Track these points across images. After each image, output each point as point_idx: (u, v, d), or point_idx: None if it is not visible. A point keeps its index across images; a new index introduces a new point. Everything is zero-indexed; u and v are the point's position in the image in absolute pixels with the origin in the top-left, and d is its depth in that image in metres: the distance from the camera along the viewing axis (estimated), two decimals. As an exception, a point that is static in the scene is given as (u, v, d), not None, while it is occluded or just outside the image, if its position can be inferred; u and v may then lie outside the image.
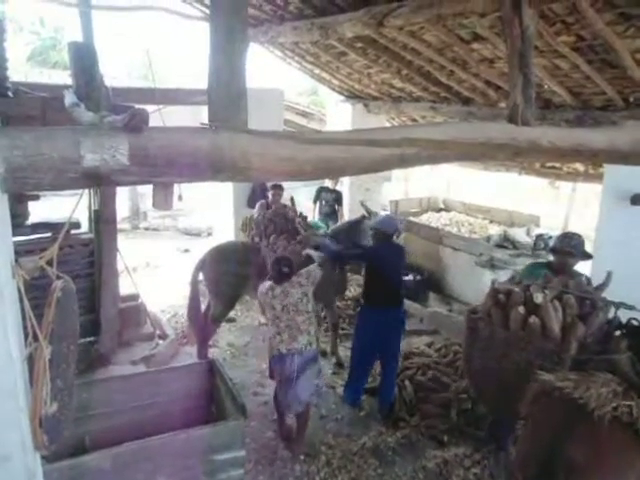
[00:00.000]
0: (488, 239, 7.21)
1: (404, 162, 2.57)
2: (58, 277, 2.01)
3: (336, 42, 5.43)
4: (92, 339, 4.79)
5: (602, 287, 2.93)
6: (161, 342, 5.21)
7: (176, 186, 2.13)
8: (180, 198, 2.14)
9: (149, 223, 10.81)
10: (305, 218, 5.42)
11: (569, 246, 3.48)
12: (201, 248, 8.49)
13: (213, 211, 8.54)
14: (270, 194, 5.62)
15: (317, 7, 4.82)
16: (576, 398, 2.10)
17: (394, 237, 4.26)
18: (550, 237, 6.99)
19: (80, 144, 1.71)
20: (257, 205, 6.05)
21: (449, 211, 9.01)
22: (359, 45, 5.44)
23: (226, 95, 2.08)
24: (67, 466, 2.44)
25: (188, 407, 3.47)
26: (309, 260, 4.08)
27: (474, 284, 6.60)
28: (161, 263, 8.25)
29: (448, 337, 5.61)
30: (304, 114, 10.88)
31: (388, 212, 8.48)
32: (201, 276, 4.93)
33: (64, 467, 2.43)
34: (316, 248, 4.42)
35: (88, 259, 4.75)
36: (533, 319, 2.68)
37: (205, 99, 2.16)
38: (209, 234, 10.10)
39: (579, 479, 1.95)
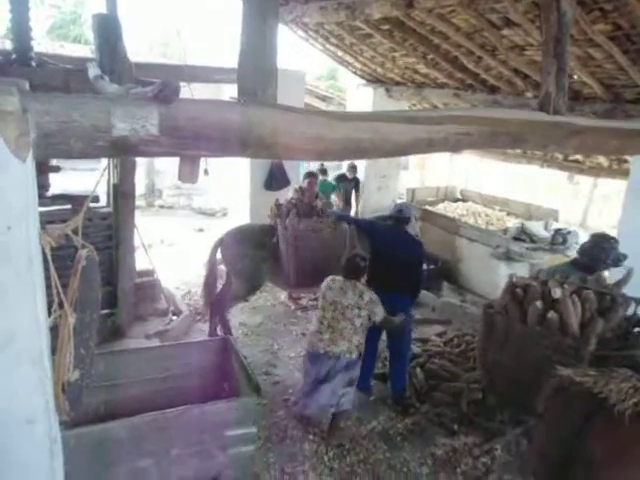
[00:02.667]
0: (505, 231, 7.12)
1: (431, 146, 2.53)
2: (83, 246, 2.02)
3: (362, 23, 5.33)
4: (109, 311, 4.84)
5: (622, 283, 2.87)
6: (175, 318, 5.26)
7: (202, 160, 2.12)
8: (206, 172, 2.13)
9: (164, 201, 10.86)
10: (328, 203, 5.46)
11: (598, 251, 3.35)
12: (215, 228, 8.62)
13: (229, 192, 8.54)
14: (307, 182, 5.54)
15: (345, -14, 4.73)
16: (596, 393, 2.08)
17: (407, 225, 4.21)
18: (569, 232, 6.91)
19: (111, 113, 1.70)
20: (291, 190, 6.01)
21: (466, 201, 8.91)
22: (386, 27, 5.34)
23: (257, 70, 2.06)
24: (85, 433, 2.48)
25: (201, 383, 3.50)
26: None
27: (489, 276, 6.55)
28: (176, 241, 8.30)
29: (460, 328, 5.58)
30: (323, 98, 10.79)
31: (404, 200, 8.42)
32: (219, 255, 4.95)
33: (82, 434, 2.47)
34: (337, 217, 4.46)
35: (106, 232, 4.77)
36: (551, 314, 2.64)
37: (231, 77, 2.14)
38: (224, 214, 10.13)
39: (599, 474, 1.93)
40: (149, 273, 5.52)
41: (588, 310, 2.60)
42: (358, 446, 3.70)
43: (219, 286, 5.12)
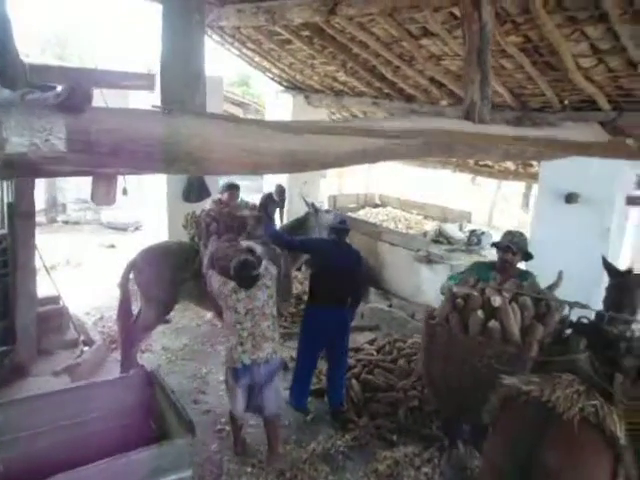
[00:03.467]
0: (424, 235, 7.35)
1: (366, 157, 2.44)
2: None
3: (281, 29, 5.18)
4: (6, 348, 4.23)
5: (554, 287, 2.98)
6: (87, 349, 4.72)
7: (120, 177, 1.83)
8: (125, 192, 1.84)
9: (68, 216, 9.93)
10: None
11: (512, 243, 3.51)
12: (128, 244, 7.98)
13: (142, 203, 7.96)
14: (226, 195, 5.08)
15: (263, -10, 4.55)
16: (544, 401, 2.08)
17: (345, 236, 4.12)
18: (483, 233, 7.27)
19: (2, 125, 1.38)
20: (210, 202, 5.45)
21: (385, 207, 9.11)
22: (305, 34, 5.24)
23: (182, 76, 1.82)
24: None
25: (124, 424, 3.13)
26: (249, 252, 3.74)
27: (412, 279, 6.69)
28: (83, 260, 7.57)
29: (389, 332, 5.62)
30: (240, 104, 10.52)
31: (325, 207, 8.40)
32: (132, 278, 4.44)
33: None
34: (271, 238, 4.18)
35: (1, 258, 4.17)
36: (493, 323, 2.65)
37: (141, 83, 1.89)
38: (137, 228, 9.47)
39: (556, 484, 1.92)
40: (54, 300, 4.92)
41: (527, 317, 2.65)
42: (300, 472, 3.51)
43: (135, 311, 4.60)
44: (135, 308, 4.62)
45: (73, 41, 17.67)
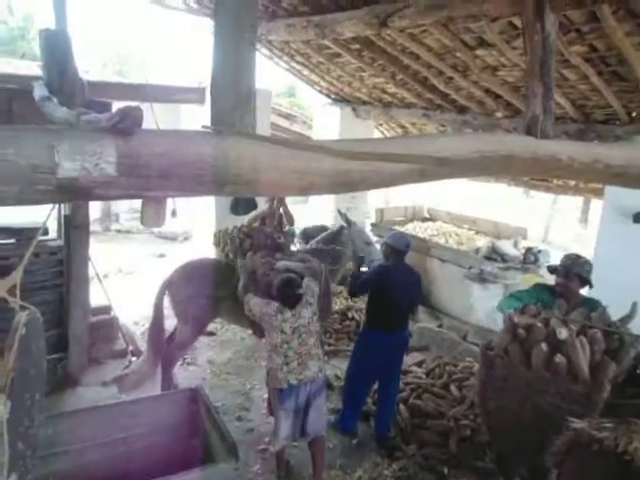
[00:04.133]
0: (477, 251, 7.05)
1: (424, 177, 2.30)
2: (22, 307, 1.65)
3: (330, 42, 5.15)
4: (58, 356, 4.35)
5: (627, 319, 2.70)
6: (134, 359, 4.79)
7: (169, 200, 1.80)
8: (174, 214, 1.81)
9: (121, 225, 10.27)
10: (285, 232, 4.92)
11: (571, 267, 3.23)
12: (177, 253, 8.14)
13: (192, 214, 8.11)
14: (268, 206, 4.97)
15: (313, 4, 4.53)
16: (620, 453, 1.86)
17: (405, 256, 3.94)
18: (540, 251, 6.88)
19: (55, 149, 1.37)
20: (259, 213, 5.34)
21: (435, 221, 8.83)
22: (355, 47, 5.18)
23: (232, 95, 1.77)
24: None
25: (168, 441, 3.10)
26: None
27: (463, 298, 6.42)
28: (135, 269, 7.77)
29: (439, 354, 5.38)
30: (287, 116, 10.56)
31: (372, 221, 8.24)
32: (167, 297, 4.30)
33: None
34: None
35: (56, 269, 4.32)
36: (559, 358, 2.41)
37: (193, 97, 1.85)
38: (186, 239, 9.66)
39: None
40: (105, 309, 5.05)
41: (597, 352, 2.41)
42: (346, 496, 3.38)
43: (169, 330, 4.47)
44: (169, 326, 4.50)
45: (132, 57, 18.50)
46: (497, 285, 6.28)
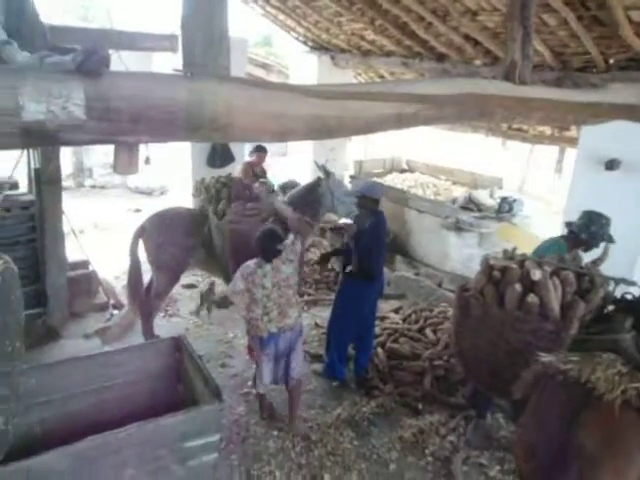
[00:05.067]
0: (453, 201, 7.13)
1: (401, 122, 2.29)
2: (-4, 257, 1.63)
3: (306, -16, 4.94)
4: (38, 311, 4.34)
5: (599, 262, 2.82)
6: (116, 312, 4.82)
7: (142, 146, 1.76)
8: (147, 161, 1.77)
9: (95, 180, 10.01)
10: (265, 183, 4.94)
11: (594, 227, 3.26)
12: (154, 208, 8.01)
13: (167, 168, 7.96)
14: (254, 156, 5.01)
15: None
16: (583, 382, 1.99)
17: (376, 206, 3.96)
18: (515, 200, 7.00)
19: (18, 90, 1.31)
20: (241, 166, 5.36)
21: (413, 172, 8.85)
22: (332, -11, 4.98)
23: (204, 37, 1.71)
24: (17, 470, 2.12)
25: (152, 388, 3.18)
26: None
27: (440, 247, 6.56)
28: (111, 224, 7.66)
29: (415, 302, 5.55)
30: (263, 65, 10.23)
31: (351, 173, 8.21)
32: (141, 244, 4.33)
33: (13, 471, 2.10)
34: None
35: (29, 224, 4.23)
36: (531, 297, 2.53)
37: (164, 45, 1.78)
38: (162, 193, 9.51)
39: (592, 468, 1.85)
40: (83, 264, 5.01)
41: (568, 292, 2.52)
42: (325, 436, 3.55)
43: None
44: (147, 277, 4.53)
45: (96, 2, 17.42)
46: (472, 234, 6.41)
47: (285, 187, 6.38)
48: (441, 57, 5.67)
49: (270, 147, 8.27)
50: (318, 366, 4.28)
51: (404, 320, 4.91)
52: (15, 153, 4.32)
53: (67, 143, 1.43)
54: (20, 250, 4.17)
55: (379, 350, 4.35)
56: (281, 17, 6.63)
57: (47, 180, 4.12)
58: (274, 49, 17.71)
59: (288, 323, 3.34)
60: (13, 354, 1.55)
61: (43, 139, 1.38)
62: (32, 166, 4.21)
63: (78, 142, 1.45)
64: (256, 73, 9.53)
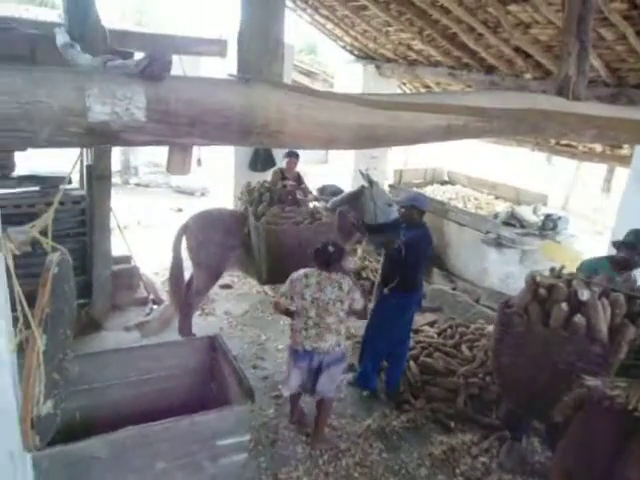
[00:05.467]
0: (495, 216, 6.97)
1: (451, 134, 2.27)
2: (53, 249, 1.71)
3: (357, -6, 4.97)
4: (83, 302, 4.51)
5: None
6: (155, 307, 4.96)
7: (195, 148, 1.81)
8: (199, 163, 1.83)
9: (140, 179, 10.34)
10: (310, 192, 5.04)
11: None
12: (194, 208, 8.20)
13: (210, 170, 8.13)
14: (285, 162, 5.10)
15: (341, -48, 4.35)
16: (631, 410, 1.91)
17: (418, 217, 3.91)
18: (559, 217, 6.78)
19: (86, 92, 1.38)
20: (271, 172, 5.46)
21: (454, 184, 8.72)
22: (382, -1, 5.00)
23: (260, 43, 1.74)
24: (60, 453, 2.21)
25: (187, 384, 3.25)
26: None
27: (479, 262, 6.41)
28: (153, 222, 7.89)
29: (451, 316, 5.44)
30: (308, 73, 10.36)
31: (390, 182, 8.16)
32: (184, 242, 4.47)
33: (55, 454, 2.19)
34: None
35: (79, 217, 4.42)
36: (578, 318, 2.44)
37: (214, 49, 1.83)
38: (203, 194, 9.73)
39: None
40: (126, 259, 5.17)
41: (618, 315, 2.42)
42: (354, 446, 3.53)
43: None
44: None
45: (151, 8, 18.10)
46: (514, 251, 6.25)
47: (323, 190, 6.42)
48: (490, 69, 5.58)
49: (310, 154, 8.35)
50: (349, 375, 4.26)
51: (439, 334, 4.82)
52: (68, 150, 4.53)
53: (127, 143, 1.49)
54: (70, 242, 4.35)
55: (412, 363, 4.29)
56: (329, 26, 6.69)
57: (98, 176, 4.30)
58: (318, 57, 17.86)
59: (322, 346, 3.30)
60: (65, 342, 1.62)
61: (105, 139, 1.44)
62: (85, 163, 4.39)
63: (137, 143, 1.51)
64: (301, 80, 9.66)
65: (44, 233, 1.70)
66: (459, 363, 4.28)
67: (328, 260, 3.26)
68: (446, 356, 4.37)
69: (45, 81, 1.38)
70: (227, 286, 5.80)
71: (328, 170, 10.44)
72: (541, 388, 2.60)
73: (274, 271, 4.28)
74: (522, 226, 6.74)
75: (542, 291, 2.62)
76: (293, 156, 5.29)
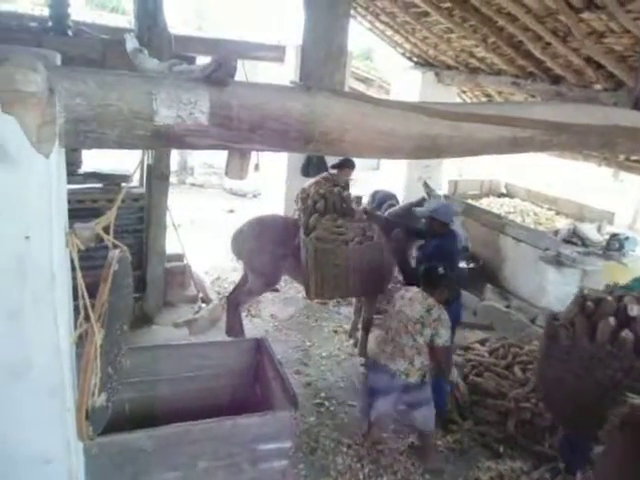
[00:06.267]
0: (556, 233, 6.64)
1: (516, 146, 2.17)
2: (114, 246, 1.76)
3: (419, 0, 4.89)
4: (137, 296, 4.66)
5: None
6: (204, 306, 5.06)
7: (253, 153, 1.82)
8: (257, 168, 1.83)
9: (195, 179, 10.66)
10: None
11: None
12: (246, 210, 8.36)
13: (263, 172, 8.25)
14: (337, 171, 4.97)
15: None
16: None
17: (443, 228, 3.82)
18: (627, 237, 6.38)
19: (154, 96, 1.41)
20: (321, 178, 5.21)
21: (512, 197, 8.40)
22: (445, 5, 4.89)
23: (323, 51, 1.73)
24: (107, 443, 2.27)
25: (232, 384, 3.29)
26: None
27: (536, 280, 6.12)
28: (205, 222, 8.09)
29: (504, 335, 5.22)
30: (364, 80, 10.32)
31: (445, 193, 7.97)
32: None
33: (104, 443, 2.26)
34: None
35: (138, 214, 4.59)
36: (626, 333, 2.31)
37: (273, 55, 1.82)
38: (254, 196, 9.89)
39: None
40: (179, 257, 5.32)
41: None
42: (396, 463, 3.44)
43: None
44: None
45: (210, 13, 18.66)
46: (574, 270, 5.92)
47: (375, 195, 6.31)
48: (556, 79, 5.33)
49: (362, 160, 8.29)
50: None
51: (490, 353, 4.63)
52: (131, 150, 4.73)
53: (190, 146, 1.52)
54: (128, 238, 4.51)
55: (460, 383, 4.14)
56: (389, 32, 6.63)
57: (158, 176, 4.45)
58: (374, 63, 17.78)
59: (391, 367, 3.23)
60: (121, 337, 1.66)
61: (170, 141, 1.47)
62: (145, 162, 4.56)
63: (199, 146, 1.53)
64: (356, 87, 9.63)
65: (106, 229, 1.75)
66: (510, 385, 4.09)
67: (432, 283, 3.26)
68: (497, 377, 4.19)
69: (117, 85, 1.43)
70: (274, 289, 5.83)
71: (380, 177, 10.36)
72: (585, 405, 2.47)
73: (321, 288, 4.26)
74: (584, 245, 6.38)
75: (589, 304, 2.50)
76: (350, 167, 5.12)
